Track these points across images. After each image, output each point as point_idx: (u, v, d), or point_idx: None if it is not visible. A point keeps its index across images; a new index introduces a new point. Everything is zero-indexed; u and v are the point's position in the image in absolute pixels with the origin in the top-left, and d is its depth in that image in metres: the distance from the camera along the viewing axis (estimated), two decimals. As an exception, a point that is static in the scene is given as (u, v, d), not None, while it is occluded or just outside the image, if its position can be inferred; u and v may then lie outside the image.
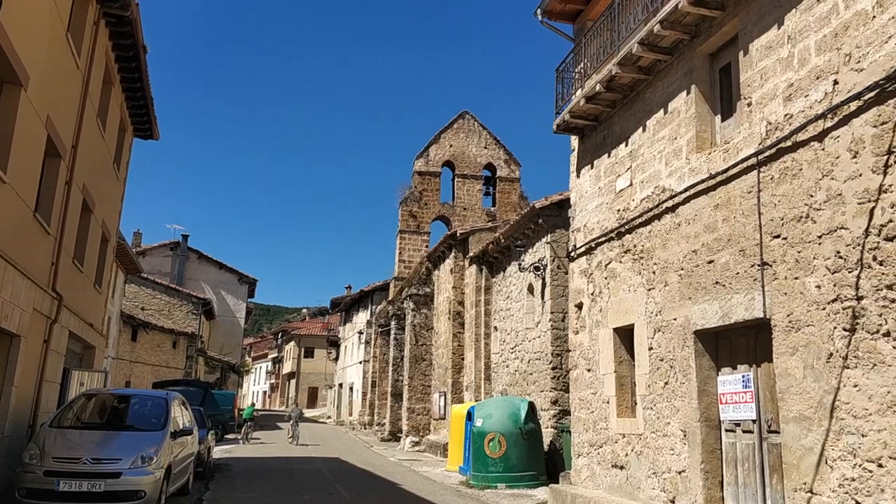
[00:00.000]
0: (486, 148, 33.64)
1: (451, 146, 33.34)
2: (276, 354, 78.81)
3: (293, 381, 67.93)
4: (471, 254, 21.05)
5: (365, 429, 35.62)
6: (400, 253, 32.50)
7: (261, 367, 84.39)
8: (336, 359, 52.02)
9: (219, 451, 19.96)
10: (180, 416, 11.26)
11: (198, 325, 37.25)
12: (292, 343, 68.97)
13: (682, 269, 8.73)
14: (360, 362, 39.27)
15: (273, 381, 79.79)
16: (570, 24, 12.84)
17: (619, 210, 10.61)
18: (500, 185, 33.68)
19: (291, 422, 27.50)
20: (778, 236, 7.05)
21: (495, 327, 19.68)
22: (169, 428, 10.09)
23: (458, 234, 22.31)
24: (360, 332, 39.42)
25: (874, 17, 6.08)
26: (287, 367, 70.85)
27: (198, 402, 22.70)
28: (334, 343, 53.06)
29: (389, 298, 32.96)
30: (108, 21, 12.67)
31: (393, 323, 29.50)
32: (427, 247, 31.51)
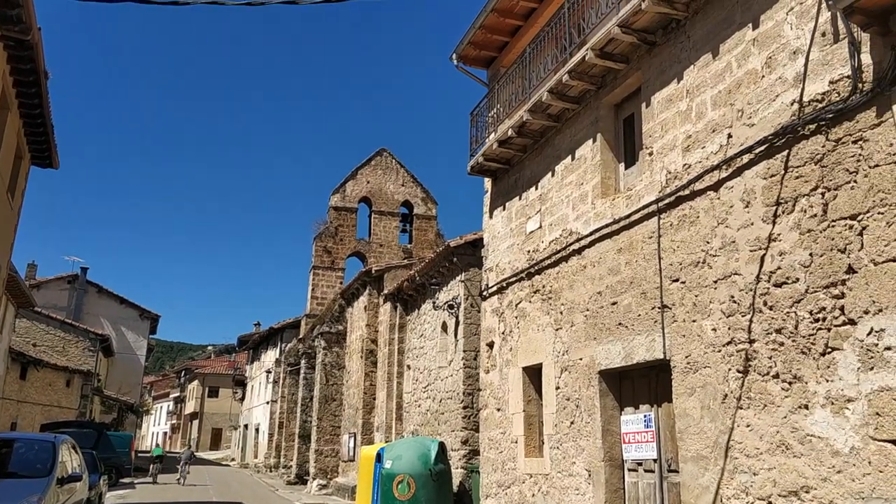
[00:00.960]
0: (403, 185, 33.81)
1: (368, 182, 33.32)
2: (178, 394, 75.13)
3: (196, 422, 64.80)
4: (386, 291, 20.89)
5: (271, 472, 34.30)
6: (313, 289, 31.89)
7: (162, 407, 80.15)
8: (242, 399, 50.10)
9: (112, 497, 18.80)
10: (69, 460, 10.47)
11: (95, 363, 35.04)
12: (196, 382, 66.02)
13: (588, 310, 8.93)
14: (268, 402, 37.97)
15: (174, 421, 75.87)
16: (484, 70, 13.17)
17: (529, 251, 10.81)
18: (416, 222, 33.82)
19: (181, 462, 27.98)
20: (677, 280, 7.34)
21: (408, 366, 19.51)
22: (55, 474, 9.33)
23: (373, 271, 22.13)
24: (269, 371, 38.21)
25: (763, 76, 6.53)
26: (190, 406, 67.63)
27: (91, 444, 21.22)
28: (241, 382, 51.15)
29: (300, 336, 32.18)
30: (7, 44, 12.01)
31: (303, 362, 28.76)
32: (341, 283, 31.08)
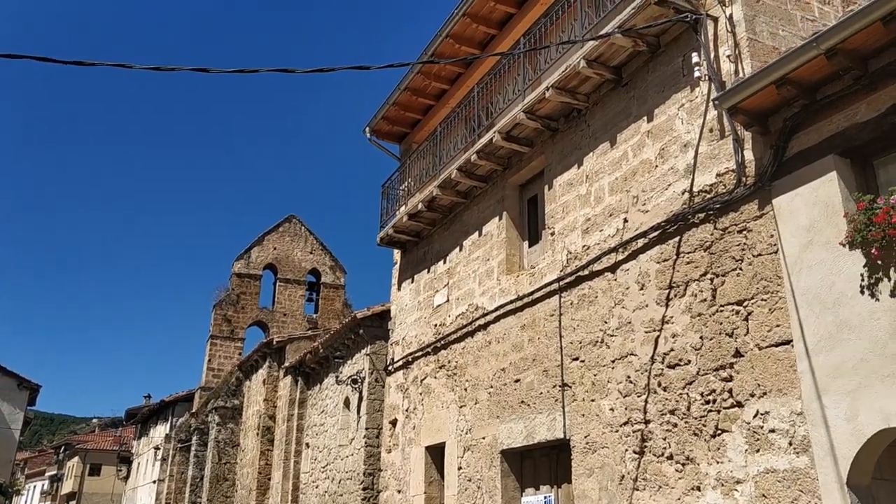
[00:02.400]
0: (311, 253, 33.24)
1: (275, 249, 32.56)
2: (55, 471, 68.71)
3: (73, 503, 59.18)
4: (287, 363, 20.13)
5: (153, 559, 31.45)
6: (209, 360, 30.36)
7: (35, 486, 72.87)
8: (127, 477, 46.35)
9: None
10: None
11: (-44, 437, 31.60)
12: (76, 458, 60.68)
13: (492, 387, 8.87)
14: (154, 482, 35.25)
15: (49, 502, 69.03)
16: (396, 144, 13.36)
17: (436, 325, 10.73)
18: (324, 291, 33.15)
19: None
20: (577, 359, 7.42)
21: (307, 444, 18.66)
22: None
23: (274, 343, 21.35)
24: (157, 448, 35.65)
25: (657, 166, 6.88)
26: (68, 486, 61.81)
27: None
28: (126, 459, 47.41)
29: (193, 410, 30.36)
30: None
31: (195, 438, 27.03)
32: (240, 354, 29.76)
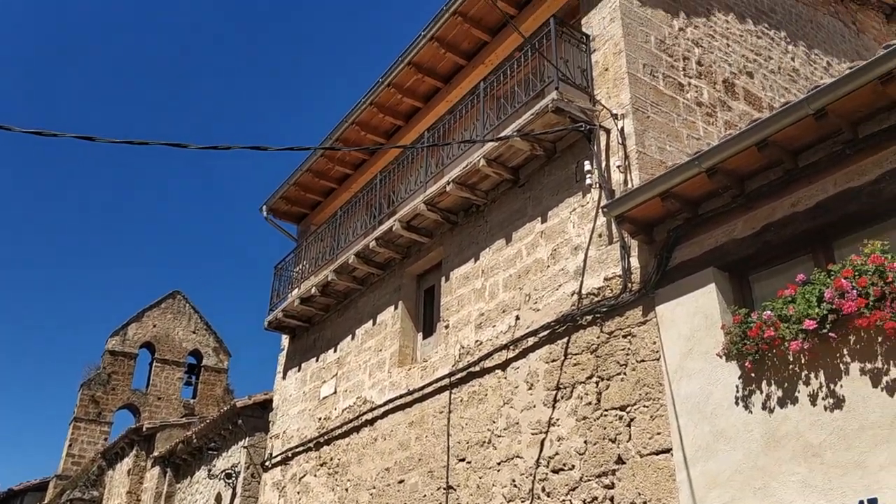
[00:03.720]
0: (194, 332, 31.44)
1: (154, 326, 30.58)
2: None
3: None
4: (156, 453, 18.54)
5: None
6: (70, 445, 27.57)
7: None
8: (-45, 578, 40.44)
9: None
10: None
11: None
12: None
13: (375, 488, 8.39)
14: (-12, 584, 30.88)
15: None
16: (294, 225, 13.08)
17: (320, 419, 10.19)
18: (204, 375, 31.20)
19: None
20: (463, 460, 7.15)
21: (171, 542, 16.96)
22: None
23: (143, 429, 19.69)
24: (-2, 544, 31.49)
25: (549, 266, 6.98)
26: None
27: None
28: (-42, 556, 41.52)
29: (46, 501, 27.22)
30: None
31: (43, 533, 24.08)
32: (106, 440, 27.23)
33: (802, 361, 4.59)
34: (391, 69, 9.61)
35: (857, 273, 4.31)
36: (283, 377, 11.87)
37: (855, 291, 4.27)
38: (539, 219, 7.28)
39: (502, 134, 7.33)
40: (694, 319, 5.34)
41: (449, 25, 8.81)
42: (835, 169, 4.84)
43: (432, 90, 9.94)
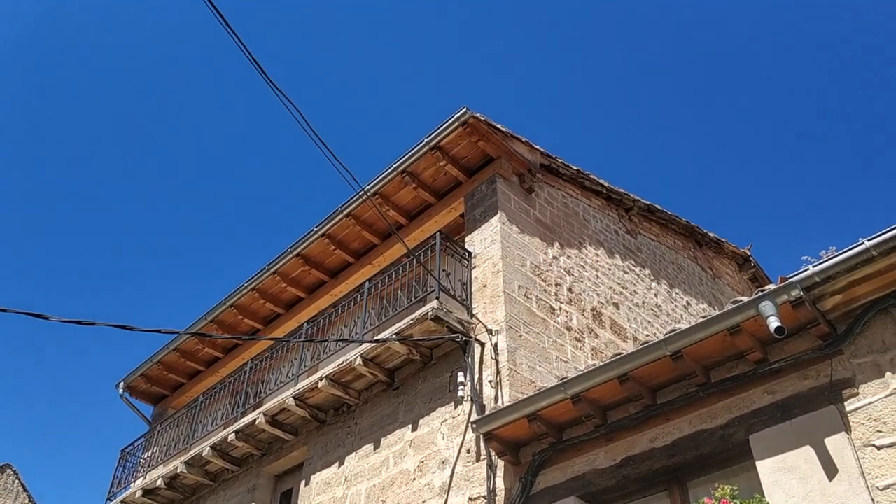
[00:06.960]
0: (18, 517, 27.25)
1: (-31, 507, 26.34)
2: None
3: None
4: None
5: None
6: None
7: None
8: None
9: None
10: None
11: None
12: None
13: None
14: None
15: None
16: (151, 406, 12.08)
17: None
18: (19, 570, 26.60)
19: None
20: None
21: None
22: None
23: None
24: None
25: (415, 479, 6.64)
26: None
27: None
28: None
29: None
30: None
31: None
32: None
33: None
34: (279, 258, 9.62)
35: (709, 517, 4.35)
36: (105, 584, 10.23)
37: (707, 535, 4.27)
38: (410, 426, 7.06)
39: (382, 335, 7.30)
40: (555, 553, 5.12)
41: (341, 225, 9.06)
42: (690, 409, 5.05)
43: (318, 282, 9.96)
